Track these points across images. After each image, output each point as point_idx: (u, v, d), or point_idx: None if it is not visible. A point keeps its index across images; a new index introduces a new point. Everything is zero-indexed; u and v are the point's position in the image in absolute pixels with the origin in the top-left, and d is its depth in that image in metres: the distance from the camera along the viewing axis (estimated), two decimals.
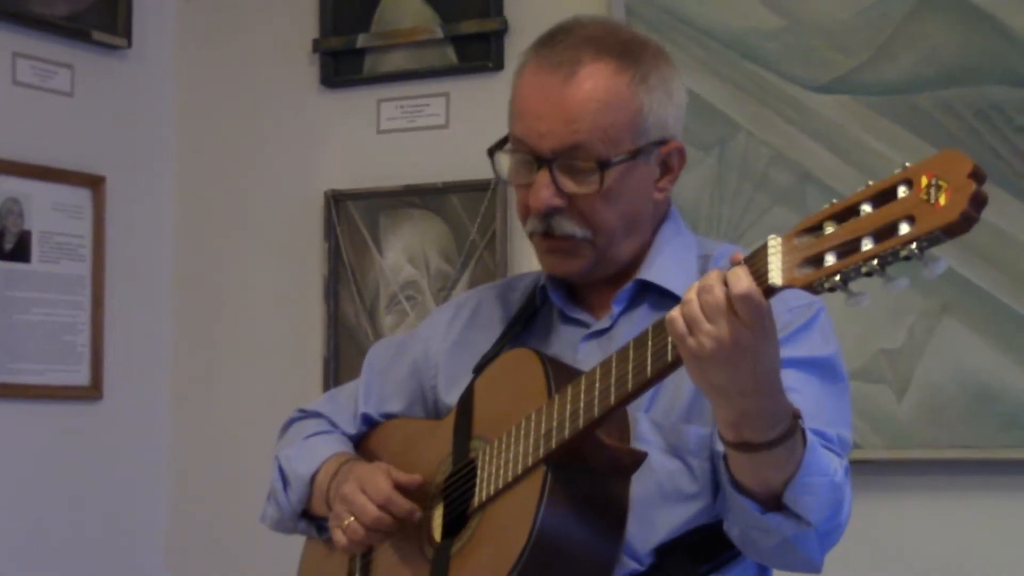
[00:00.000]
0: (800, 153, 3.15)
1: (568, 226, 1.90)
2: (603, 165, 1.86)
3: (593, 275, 1.95)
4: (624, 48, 1.91)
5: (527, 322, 2.03)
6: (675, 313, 1.58)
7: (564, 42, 1.90)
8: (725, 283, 1.55)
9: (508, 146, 1.94)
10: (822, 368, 1.85)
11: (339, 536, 1.97)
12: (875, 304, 3.15)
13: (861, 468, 3.05)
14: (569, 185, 1.88)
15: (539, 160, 1.88)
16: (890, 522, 3.07)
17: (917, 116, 3.06)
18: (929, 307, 3.02)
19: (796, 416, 1.65)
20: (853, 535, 3.12)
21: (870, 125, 3.10)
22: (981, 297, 2.98)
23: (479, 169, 3.50)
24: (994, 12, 3.00)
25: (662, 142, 1.92)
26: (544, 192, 1.88)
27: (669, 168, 1.96)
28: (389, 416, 2.17)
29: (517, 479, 1.80)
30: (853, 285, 1.46)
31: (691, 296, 1.57)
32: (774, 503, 1.69)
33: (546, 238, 1.92)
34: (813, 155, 3.14)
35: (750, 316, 1.54)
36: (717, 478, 1.87)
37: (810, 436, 1.68)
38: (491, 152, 1.95)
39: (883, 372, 3.05)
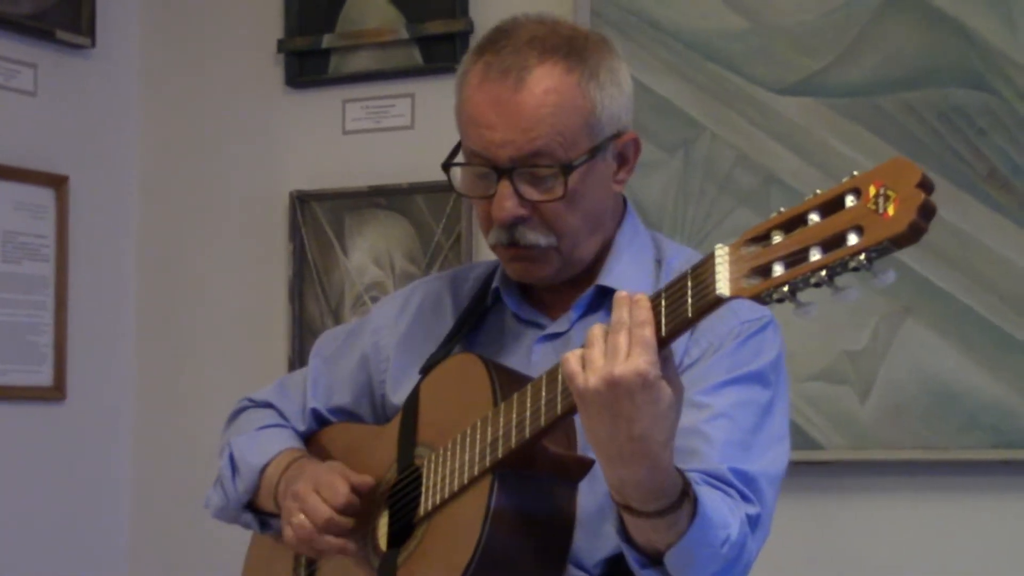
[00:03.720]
0: (764, 155, 3.16)
1: (532, 236, 1.87)
2: (565, 170, 1.84)
3: (559, 279, 1.93)
4: (569, 46, 1.88)
5: (477, 321, 2.02)
6: (569, 354, 1.59)
7: (507, 47, 1.87)
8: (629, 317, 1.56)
9: (461, 158, 1.91)
10: (755, 380, 1.84)
11: (288, 532, 1.94)
12: (838, 306, 3.17)
13: (824, 469, 3.07)
14: (532, 193, 1.85)
15: (498, 171, 1.85)
16: (853, 522, 3.08)
17: (881, 118, 3.07)
18: (892, 309, 3.03)
19: (685, 492, 1.63)
20: (815, 536, 3.15)
21: (834, 127, 3.11)
22: (944, 299, 3.00)
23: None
24: (957, 15, 3.02)
25: (617, 135, 1.91)
26: (507, 203, 1.84)
27: (625, 160, 1.94)
28: (338, 410, 2.14)
29: (463, 488, 1.78)
30: (801, 295, 1.44)
31: (596, 333, 1.58)
32: (656, 557, 1.67)
33: (511, 248, 1.89)
34: (777, 157, 3.15)
35: (636, 348, 1.54)
36: None
37: (702, 504, 1.65)
38: (446, 167, 1.92)
39: (846, 373, 3.06)
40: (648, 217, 3.18)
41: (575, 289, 1.95)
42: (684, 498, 1.62)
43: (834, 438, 3.05)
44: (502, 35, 1.90)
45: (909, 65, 3.06)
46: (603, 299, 1.93)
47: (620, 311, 1.58)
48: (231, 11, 3.82)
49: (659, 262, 1.97)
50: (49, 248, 3.66)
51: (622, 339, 1.55)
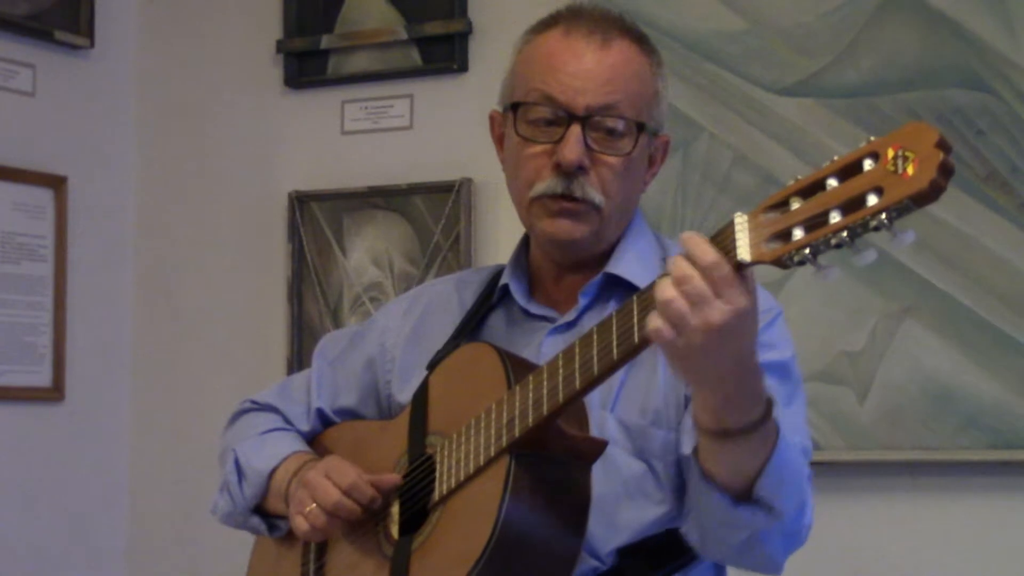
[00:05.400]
0: (763, 155, 3.16)
1: (590, 190, 1.89)
2: (640, 127, 1.90)
3: (585, 250, 1.95)
4: (641, 33, 1.97)
5: (483, 318, 2.03)
6: (658, 321, 1.54)
7: (586, 18, 1.94)
8: (696, 266, 1.52)
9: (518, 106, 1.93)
10: (782, 371, 1.85)
11: (300, 522, 1.95)
12: (837, 306, 3.17)
13: (822, 469, 3.05)
14: (600, 143, 1.89)
15: (570, 117, 1.88)
16: (851, 523, 3.08)
17: (879, 119, 3.07)
18: (891, 309, 3.03)
19: (770, 401, 1.65)
20: (812, 536, 3.15)
21: (832, 128, 3.11)
22: (943, 300, 3.00)
23: (443, 170, 3.51)
24: (955, 16, 3.02)
25: (657, 132, 1.97)
26: (578, 146, 1.88)
27: (653, 161, 1.99)
28: (343, 410, 2.15)
29: (479, 470, 1.78)
30: (822, 258, 1.46)
31: (671, 295, 1.52)
32: (745, 496, 1.69)
33: (560, 199, 1.90)
34: (776, 157, 3.15)
35: (725, 290, 1.51)
36: (682, 482, 1.87)
37: (783, 426, 1.67)
38: (515, 106, 1.93)
39: (845, 374, 3.06)
40: (647, 217, 3.17)
41: (583, 282, 1.96)
42: (771, 406, 1.64)
43: (832, 439, 3.05)
44: (575, 10, 1.97)
45: (907, 66, 3.06)
46: (612, 289, 1.95)
47: (680, 265, 1.53)
48: (230, 12, 3.82)
49: (664, 259, 1.99)
50: (48, 249, 3.66)
51: (702, 286, 1.51)
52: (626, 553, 1.85)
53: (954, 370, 2.98)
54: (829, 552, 3.11)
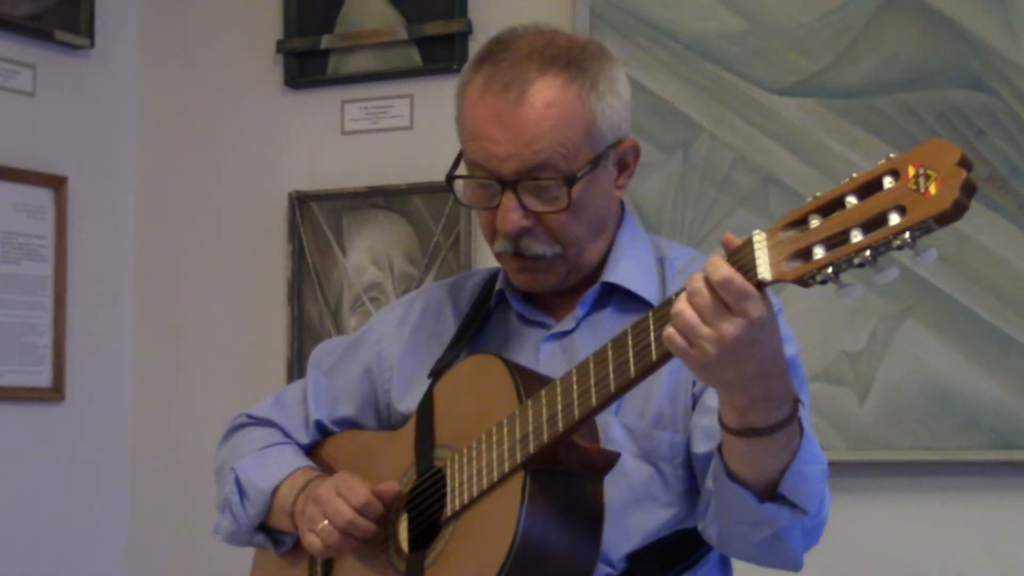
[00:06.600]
0: (763, 155, 3.16)
1: (537, 246, 1.88)
2: (569, 181, 1.85)
3: (565, 285, 1.95)
4: (568, 57, 1.89)
5: (481, 324, 2.02)
6: (670, 330, 1.57)
7: (506, 60, 1.88)
8: (708, 282, 1.54)
9: (463, 169, 1.92)
10: (789, 366, 1.85)
11: (312, 539, 1.94)
12: (837, 307, 3.17)
13: None
14: (536, 205, 1.86)
15: (502, 183, 1.86)
16: (851, 523, 3.08)
17: (879, 119, 3.07)
18: (891, 310, 3.03)
19: (796, 400, 1.66)
20: None
21: (832, 128, 3.11)
22: (943, 300, 3.00)
23: (443, 171, 3.49)
24: (955, 16, 3.02)
25: (617, 143, 1.92)
26: (512, 215, 1.86)
27: (625, 165, 1.95)
28: (342, 421, 2.13)
29: (493, 486, 1.78)
30: (843, 277, 1.46)
31: (681, 307, 1.56)
32: (768, 494, 1.69)
33: (516, 258, 1.90)
34: (776, 157, 3.15)
35: (738, 304, 1.53)
36: (691, 483, 1.88)
37: (805, 424, 1.68)
38: (450, 179, 1.93)
39: (845, 374, 3.06)
40: (647, 218, 3.18)
41: (579, 288, 1.96)
42: (796, 405, 1.65)
43: (833, 439, 3.05)
44: (501, 47, 1.91)
45: (907, 66, 3.07)
46: (609, 296, 1.95)
47: (694, 279, 1.56)
48: (230, 12, 3.82)
49: (661, 261, 1.98)
50: (48, 249, 3.66)
51: (711, 301, 1.54)
52: (636, 558, 1.86)
53: (954, 370, 2.98)
54: (829, 552, 3.10)
